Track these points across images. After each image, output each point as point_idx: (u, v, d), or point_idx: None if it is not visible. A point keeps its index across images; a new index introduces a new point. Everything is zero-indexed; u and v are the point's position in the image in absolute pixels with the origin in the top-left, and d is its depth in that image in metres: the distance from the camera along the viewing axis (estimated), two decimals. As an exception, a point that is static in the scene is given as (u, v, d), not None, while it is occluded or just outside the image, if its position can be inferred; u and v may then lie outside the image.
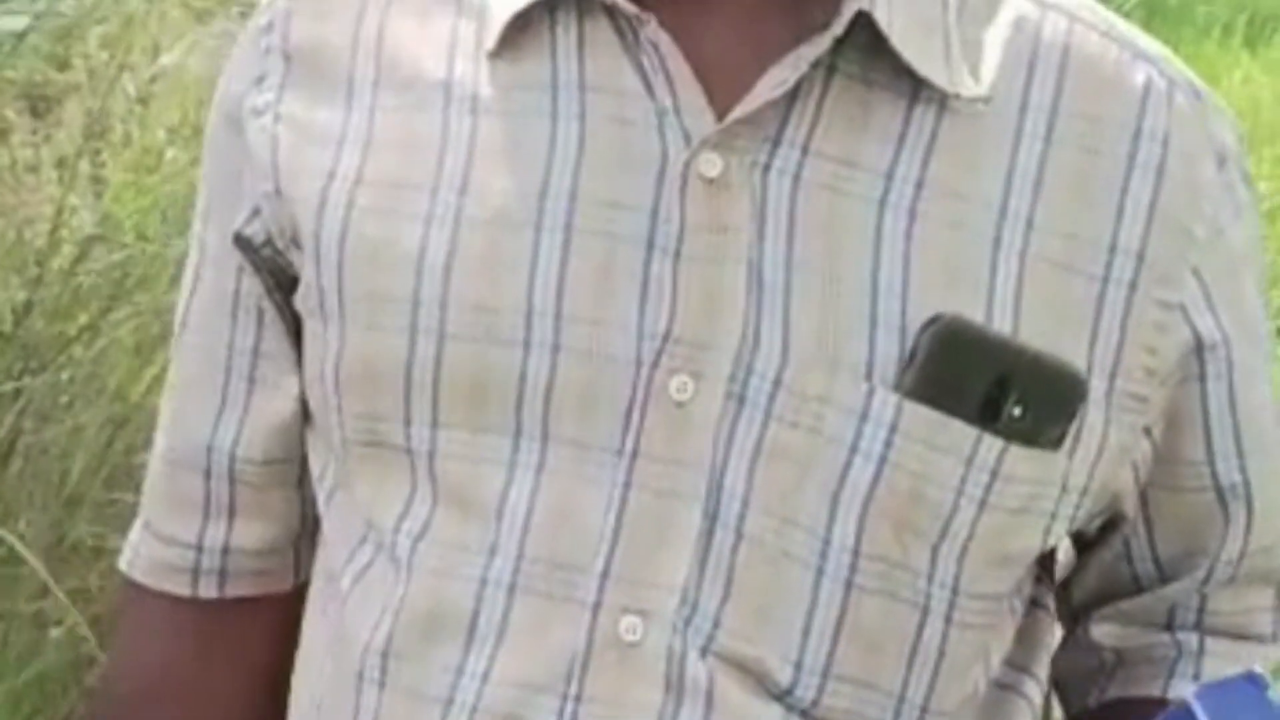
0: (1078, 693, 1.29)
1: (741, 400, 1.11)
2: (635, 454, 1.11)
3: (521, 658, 1.12)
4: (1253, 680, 1.14)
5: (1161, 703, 1.23)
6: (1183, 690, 1.23)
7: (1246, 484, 1.21)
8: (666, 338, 1.11)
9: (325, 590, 1.22)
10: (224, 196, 1.23)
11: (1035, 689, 1.24)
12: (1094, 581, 1.27)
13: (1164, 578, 1.25)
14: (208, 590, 1.27)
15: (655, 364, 1.11)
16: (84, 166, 3.19)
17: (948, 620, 1.15)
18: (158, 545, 1.28)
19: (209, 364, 1.24)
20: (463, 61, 1.17)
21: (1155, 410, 1.18)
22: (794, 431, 1.11)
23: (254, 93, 1.20)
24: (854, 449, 1.11)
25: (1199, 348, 1.17)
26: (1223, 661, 1.24)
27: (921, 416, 1.11)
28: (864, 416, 1.11)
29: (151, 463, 1.29)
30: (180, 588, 1.27)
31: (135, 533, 1.30)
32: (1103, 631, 1.27)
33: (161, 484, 1.28)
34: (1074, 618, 1.29)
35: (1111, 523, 1.23)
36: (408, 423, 1.14)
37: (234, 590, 1.27)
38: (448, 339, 1.13)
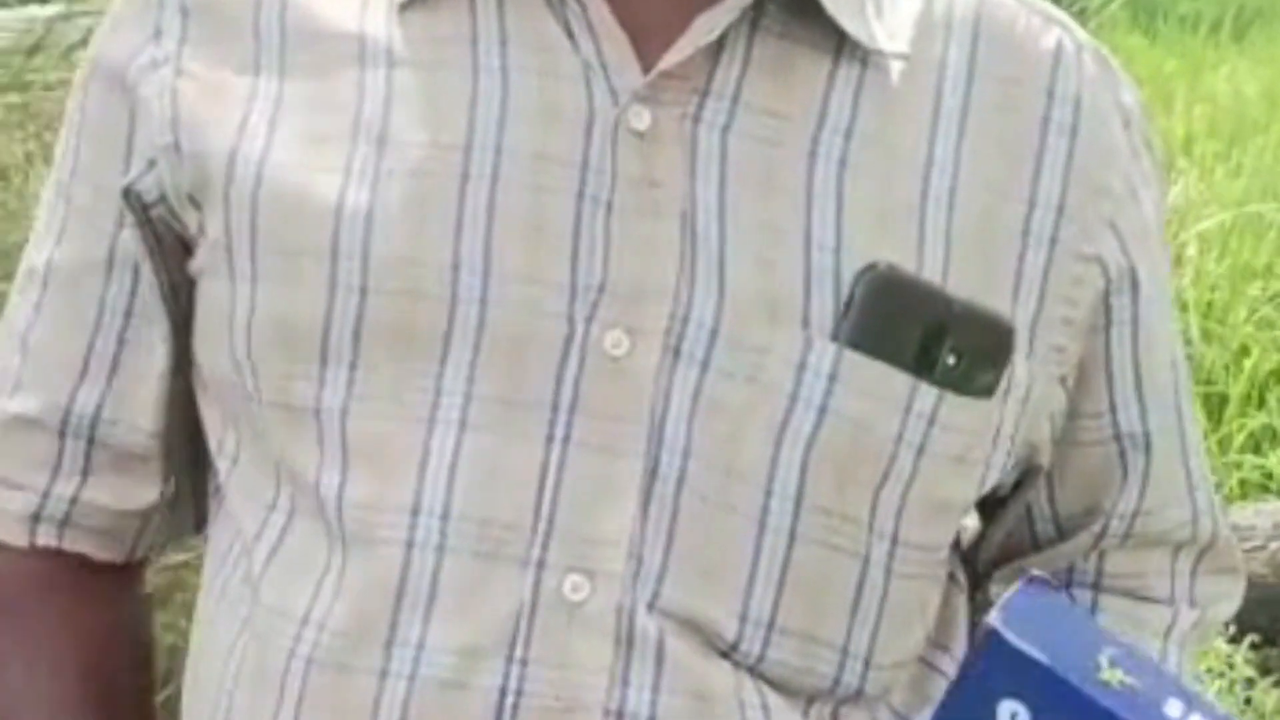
0: None
1: (678, 353, 1.10)
2: (572, 409, 1.10)
3: (459, 622, 1.09)
4: (1037, 582, 1.11)
5: None
6: None
7: (1146, 434, 1.23)
8: (601, 291, 1.10)
9: (226, 572, 1.18)
10: (101, 153, 1.19)
11: (952, 666, 1.23)
12: (997, 547, 1.28)
13: (1062, 535, 1.27)
14: (46, 538, 1.23)
15: (589, 319, 1.10)
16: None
17: (888, 571, 1.15)
18: (3, 492, 1.23)
19: (75, 323, 1.20)
20: (375, 14, 1.15)
21: (1070, 360, 1.20)
22: (732, 382, 1.10)
23: (151, 47, 1.17)
24: (794, 398, 1.11)
25: (1108, 294, 1.20)
26: (1115, 619, 1.26)
27: (860, 365, 1.11)
28: (802, 366, 1.11)
29: None
30: (17, 538, 1.23)
31: None
32: (999, 591, 1.27)
33: (12, 438, 1.23)
34: (976, 583, 1.29)
35: (1025, 478, 1.24)
36: (321, 383, 1.11)
37: (71, 543, 1.23)
38: (370, 293, 1.10)
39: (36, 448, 1.22)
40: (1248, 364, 4.84)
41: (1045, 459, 1.23)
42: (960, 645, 1.25)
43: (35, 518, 1.23)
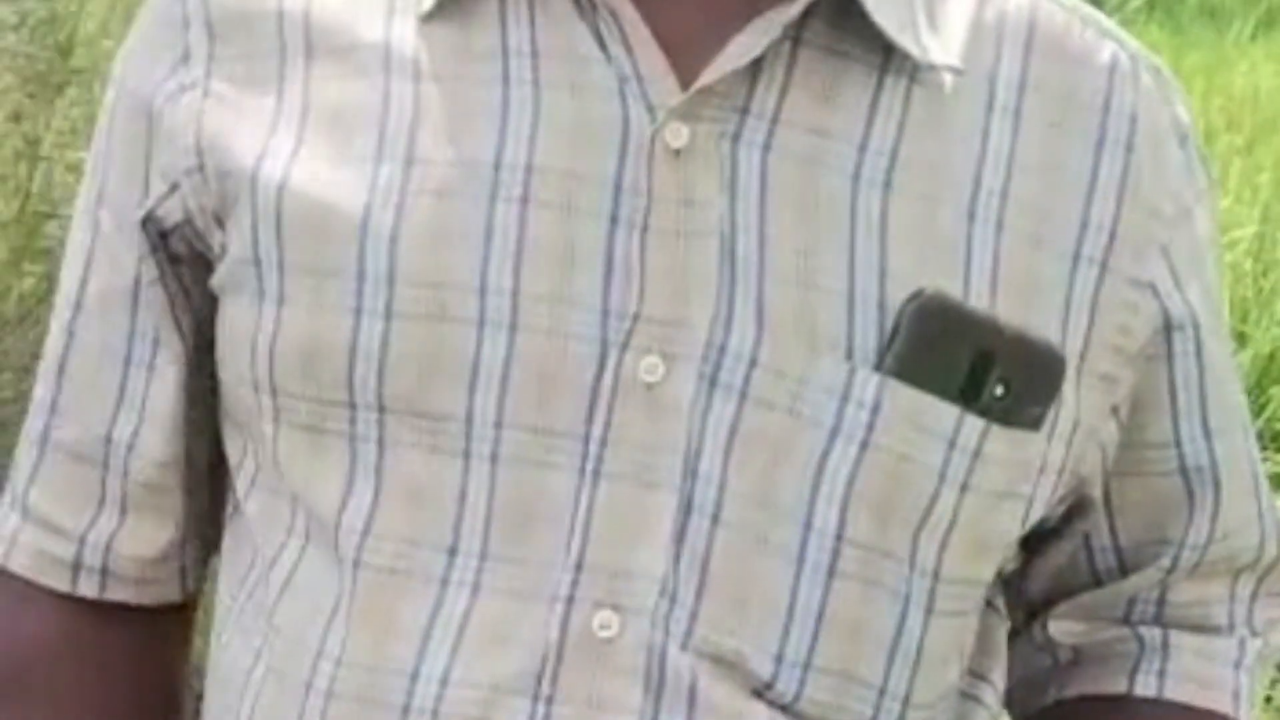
0: (1032, 695, 1.26)
1: (715, 381, 1.06)
2: (604, 440, 1.06)
3: (486, 658, 1.06)
4: None
5: (1126, 699, 1.21)
6: (1148, 687, 1.21)
7: (1214, 465, 1.19)
8: (636, 317, 1.06)
9: (240, 600, 1.15)
10: (124, 180, 1.17)
11: (993, 697, 1.21)
12: (1049, 576, 1.24)
13: (1125, 569, 1.22)
14: (88, 588, 1.20)
15: (625, 345, 1.06)
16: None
17: (928, 610, 1.11)
18: (40, 534, 1.20)
19: (108, 352, 1.18)
20: (402, 27, 1.12)
21: (1123, 390, 1.16)
22: (771, 413, 1.06)
23: (180, 72, 1.15)
24: (835, 431, 1.07)
25: (1167, 327, 1.16)
26: (1189, 656, 1.22)
27: (904, 396, 1.07)
28: (845, 397, 1.07)
29: (34, 448, 1.21)
30: (61, 582, 1.20)
31: (10, 522, 1.22)
32: (1060, 629, 1.24)
33: (51, 472, 1.20)
34: (1027, 617, 1.26)
35: (1075, 510, 1.20)
36: (352, 406, 1.08)
37: (114, 594, 1.20)
38: (395, 317, 1.07)
39: (78, 480, 1.20)
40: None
41: (1096, 490, 1.19)
42: (1000, 675, 1.22)
43: (76, 565, 1.20)
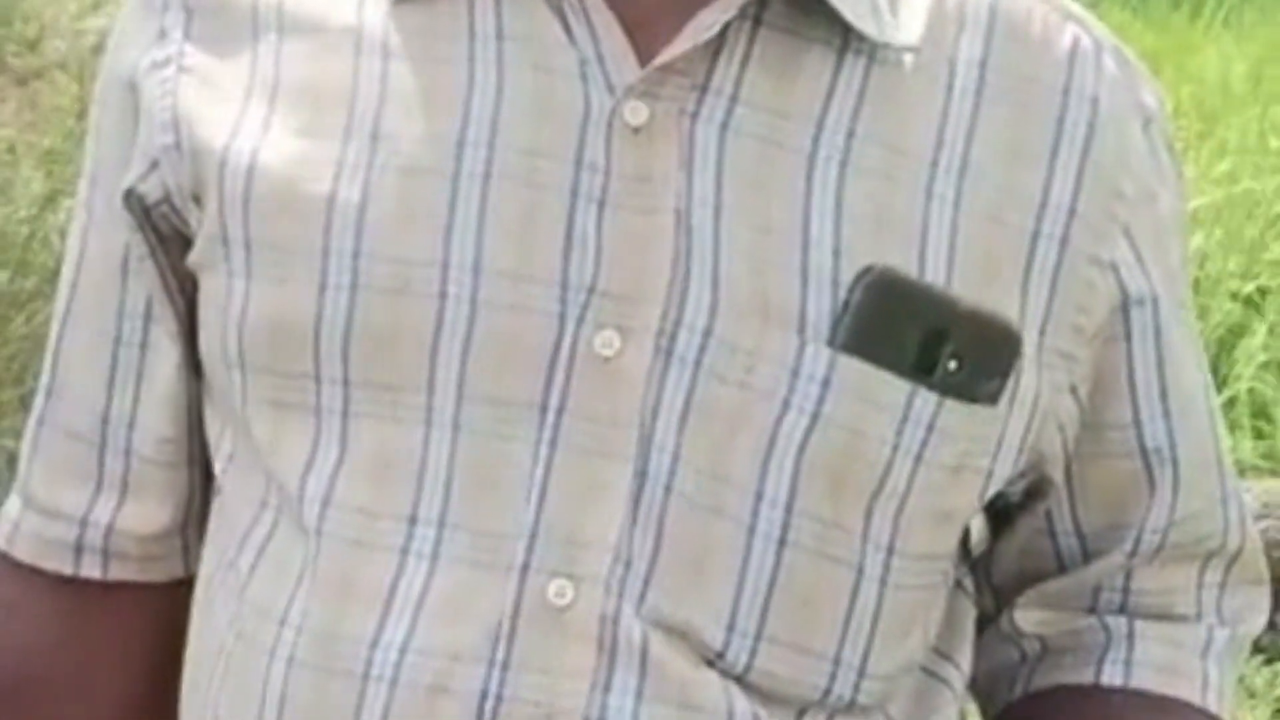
0: (999, 688, 1.27)
1: (670, 354, 1.08)
2: (561, 410, 1.08)
3: (443, 625, 1.08)
4: None
5: (1094, 689, 1.22)
6: (1114, 676, 1.22)
7: (1173, 446, 1.20)
8: (592, 291, 1.08)
9: (220, 572, 1.17)
10: (113, 159, 1.18)
11: (958, 676, 1.22)
12: (1014, 561, 1.25)
13: (1087, 553, 1.23)
14: (91, 569, 1.21)
15: (581, 319, 1.08)
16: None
17: (883, 582, 1.13)
18: (40, 519, 1.21)
19: (100, 331, 1.19)
20: (372, 7, 1.14)
21: (1082, 370, 1.17)
22: (724, 386, 1.08)
23: (155, 49, 1.17)
24: (786, 404, 1.09)
25: (1126, 306, 1.17)
26: (1155, 645, 1.23)
27: (855, 370, 1.09)
28: (796, 371, 1.09)
29: (33, 431, 1.23)
30: (63, 565, 1.21)
31: (13, 508, 1.23)
32: (1026, 618, 1.25)
33: (49, 454, 1.22)
34: (995, 605, 1.27)
35: (1035, 490, 1.21)
36: (317, 379, 1.10)
37: (118, 573, 1.21)
38: (360, 290, 1.09)
39: (75, 460, 1.21)
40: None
41: (1056, 471, 1.20)
42: (965, 658, 1.23)
43: (78, 548, 1.21)
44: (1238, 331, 4.94)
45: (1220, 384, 4.71)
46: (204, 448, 1.20)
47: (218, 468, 1.18)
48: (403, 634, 1.08)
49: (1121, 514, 1.22)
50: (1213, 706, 1.24)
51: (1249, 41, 8.23)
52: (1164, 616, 1.24)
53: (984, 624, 1.26)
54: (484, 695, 1.08)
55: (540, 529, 1.08)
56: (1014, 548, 1.25)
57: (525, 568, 1.08)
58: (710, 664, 1.10)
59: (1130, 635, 1.23)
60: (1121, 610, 1.24)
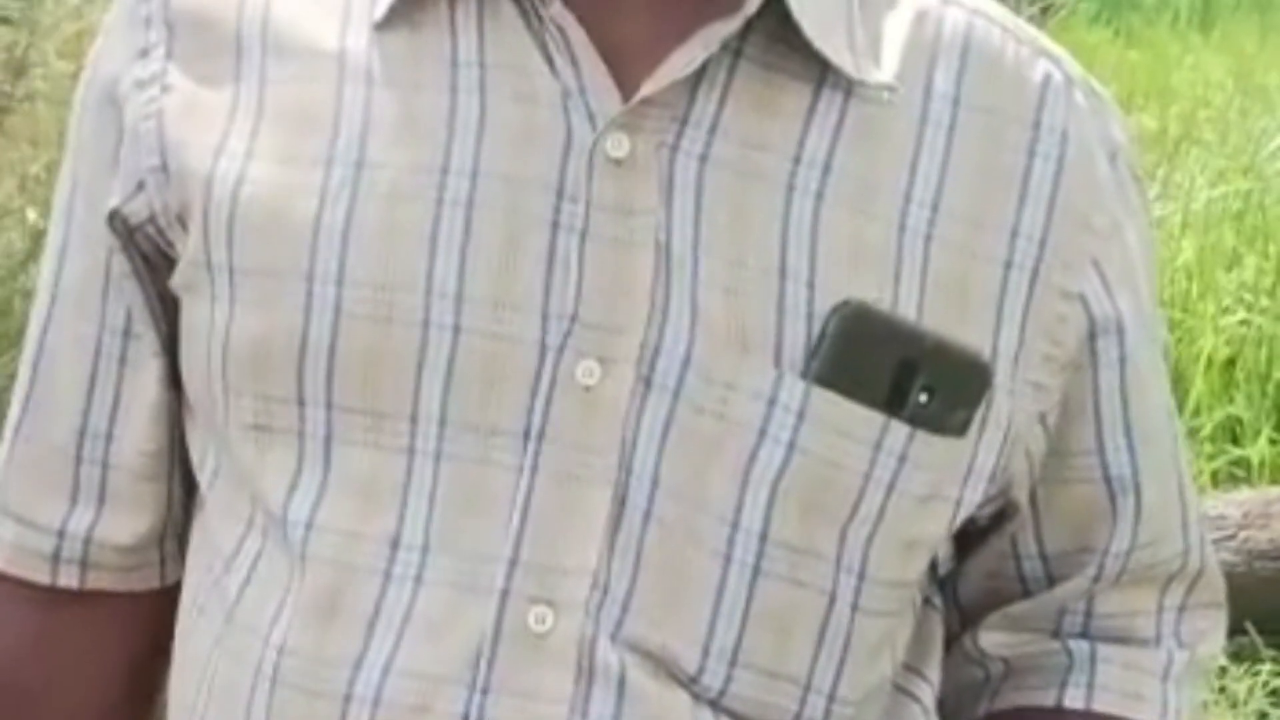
0: (963, 707, 1.28)
1: (649, 384, 1.10)
2: (542, 437, 1.09)
3: (426, 647, 1.09)
4: None
5: (1057, 711, 1.23)
6: (1076, 700, 1.23)
7: (1135, 474, 1.22)
8: (574, 320, 1.10)
9: (206, 588, 1.18)
10: (95, 175, 1.19)
11: (928, 691, 1.24)
12: (980, 583, 1.27)
13: (1052, 577, 1.25)
14: (68, 579, 1.22)
15: (562, 348, 1.10)
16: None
17: (854, 607, 1.14)
18: (17, 529, 1.22)
19: (79, 346, 1.20)
20: (356, 33, 1.15)
21: (1051, 399, 1.18)
22: (701, 416, 1.10)
23: (137, 66, 1.17)
24: (762, 434, 1.10)
25: (1093, 335, 1.18)
26: (1116, 669, 1.25)
27: (829, 403, 1.11)
28: (772, 402, 1.10)
29: (9, 441, 1.24)
30: (40, 575, 1.22)
31: None
32: (991, 640, 1.26)
33: (26, 465, 1.22)
34: (960, 625, 1.28)
35: (1002, 514, 1.23)
36: (301, 403, 1.11)
37: (95, 583, 1.22)
38: (343, 316, 1.10)
39: (51, 473, 1.22)
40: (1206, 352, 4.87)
41: (1023, 495, 1.22)
42: (936, 672, 1.25)
43: (55, 558, 1.22)
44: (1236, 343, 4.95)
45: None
46: (183, 460, 1.21)
47: (202, 483, 1.19)
48: (385, 655, 1.10)
49: (1085, 539, 1.24)
50: None
51: (1225, 53, 8.25)
52: (1125, 639, 1.26)
53: (949, 643, 1.28)
54: (465, 718, 1.09)
55: (521, 554, 1.10)
56: (980, 570, 1.27)
57: (505, 593, 1.10)
58: (685, 688, 1.12)
59: (1092, 659, 1.25)
60: (1084, 633, 1.26)
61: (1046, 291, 1.17)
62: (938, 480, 1.15)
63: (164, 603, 1.23)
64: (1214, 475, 4.54)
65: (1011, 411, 1.16)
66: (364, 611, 1.11)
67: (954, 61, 1.17)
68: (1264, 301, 5.07)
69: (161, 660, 1.23)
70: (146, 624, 1.24)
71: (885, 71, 1.15)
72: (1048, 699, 1.25)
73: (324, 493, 1.12)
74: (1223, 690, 3.71)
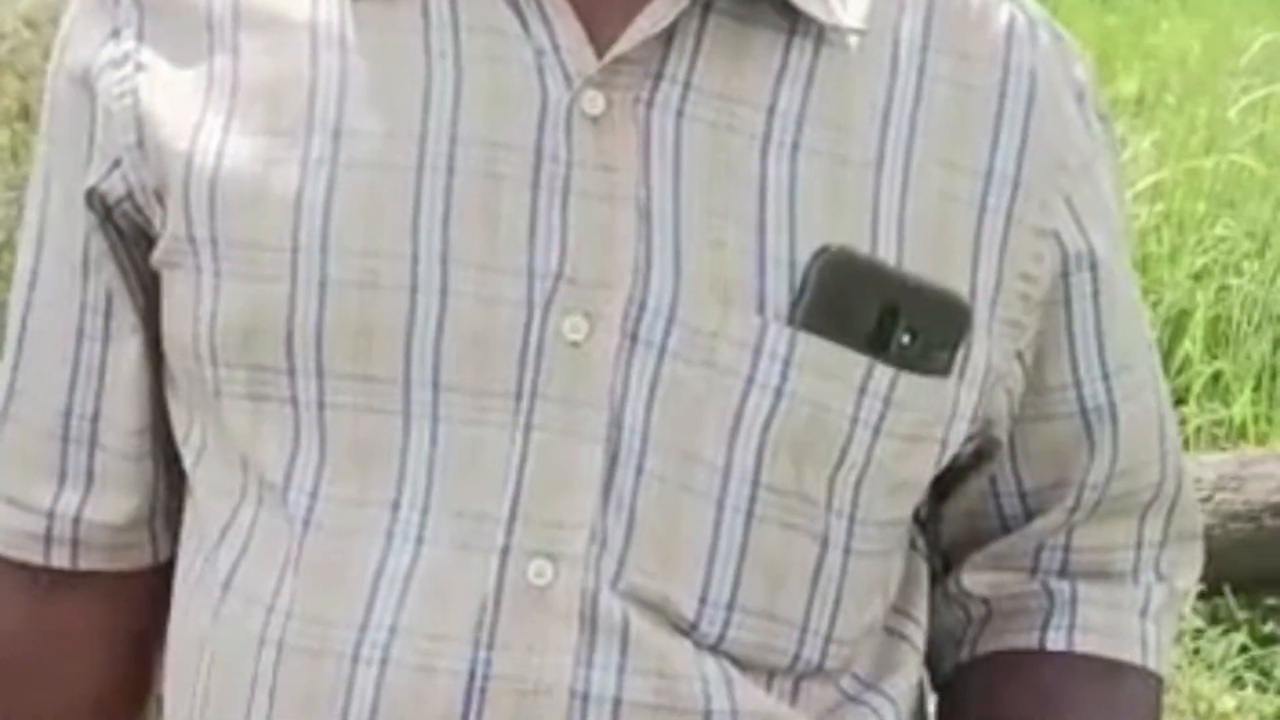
0: (946, 650, 1.30)
1: (635, 337, 1.11)
2: (534, 395, 1.11)
3: (429, 607, 1.11)
4: None
5: (1039, 654, 1.25)
6: (1058, 641, 1.25)
7: (1112, 404, 1.24)
8: (558, 278, 1.11)
9: (199, 563, 1.19)
10: (70, 157, 1.19)
11: (917, 632, 1.26)
12: (960, 523, 1.29)
13: (1030, 513, 1.27)
14: (60, 559, 1.23)
15: (548, 305, 1.11)
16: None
17: (846, 550, 1.16)
18: (9, 510, 1.23)
19: (61, 327, 1.21)
20: (326, 3, 1.16)
21: (1028, 336, 1.20)
22: (689, 367, 1.11)
23: (109, 46, 1.18)
24: (750, 381, 1.12)
25: (1066, 271, 1.20)
26: (1097, 608, 1.27)
27: (815, 347, 1.12)
28: (758, 350, 1.12)
29: None
30: (32, 555, 1.23)
31: None
32: (972, 580, 1.28)
33: (14, 448, 1.23)
34: (943, 567, 1.30)
35: (982, 452, 1.25)
36: (291, 373, 1.12)
37: (87, 562, 1.23)
38: (330, 285, 1.11)
39: (38, 454, 1.22)
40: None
41: (1003, 433, 1.24)
42: (923, 610, 1.26)
43: (47, 539, 1.23)
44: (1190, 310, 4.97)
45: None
46: (169, 439, 1.22)
47: (188, 461, 1.20)
48: (390, 616, 1.11)
49: (1063, 472, 1.26)
50: (1152, 664, 1.28)
51: (1203, 18, 8.25)
52: (1103, 574, 1.28)
53: (931, 586, 1.29)
54: (472, 675, 1.10)
55: (519, 511, 1.11)
56: (959, 510, 1.29)
57: (506, 549, 1.11)
58: (686, 635, 1.13)
59: (1073, 600, 1.27)
60: (1063, 570, 1.28)
61: (1021, 231, 1.18)
62: (923, 421, 1.16)
63: (159, 581, 1.24)
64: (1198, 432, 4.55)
65: (990, 350, 1.18)
66: (368, 574, 1.12)
67: (920, 7, 1.19)
68: (1244, 264, 5.08)
69: (160, 639, 1.24)
70: (142, 602, 1.25)
71: (853, 16, 1.17)
72: (1030, 641, 1.27)
73: (323, 459, 1.13)
74: (1198, 652, 3.73)
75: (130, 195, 1.18)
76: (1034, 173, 1.19)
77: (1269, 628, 3.88)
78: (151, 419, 1.22)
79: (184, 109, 1.16)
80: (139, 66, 1.17)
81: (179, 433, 1.21)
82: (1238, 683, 3.72)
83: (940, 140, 1.17)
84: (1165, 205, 5.41)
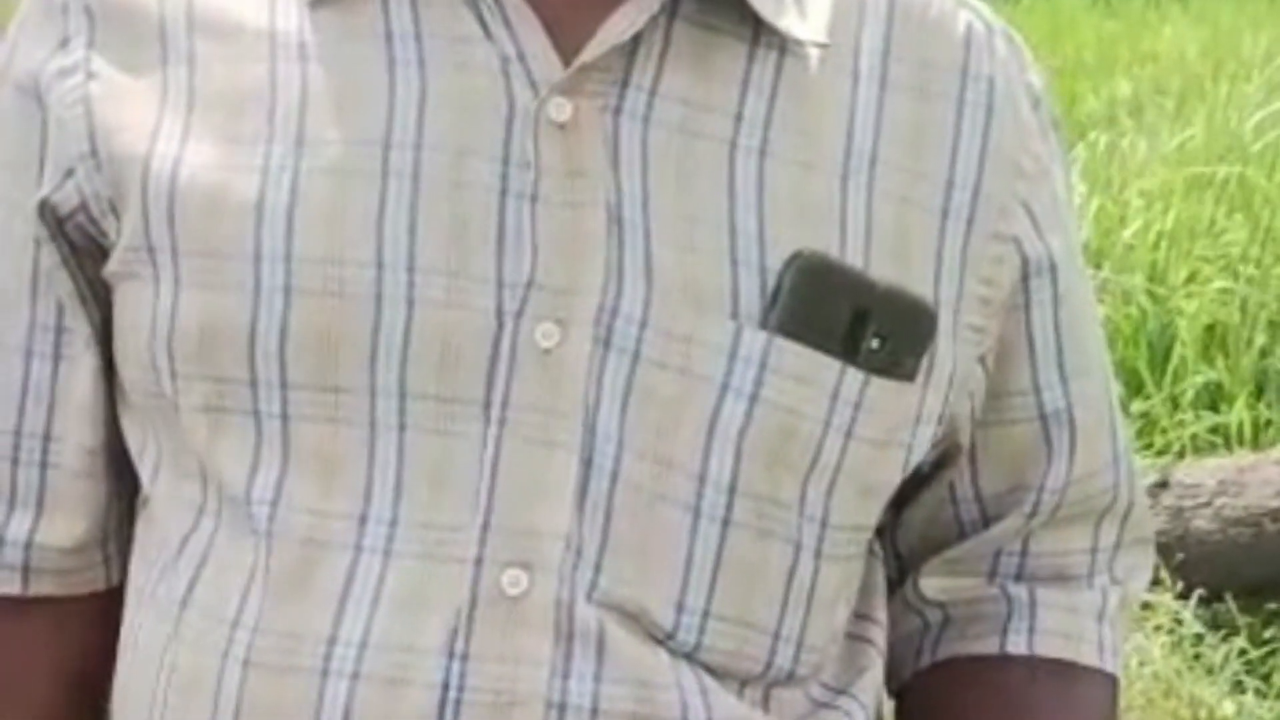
0: (906, 657, 1.30)
1: (608, 344, 1.11)
2: (505, 404, 1.10)
3: (400, 619, 1.10)
4: None
5: (999, 659, 1.25)
6: (1019, 645, 1.25)
7: (1070, 408, 1.24)
8: (529, 285, 1.10)
9: (153, 580, 1.16)
10: (20, 170, 1.17)
11: (879, 632, 1.26)
12: (918, 530, 1.29)
13: (988, 518, 1.27)
14: (9, 586, 1.20)
15: (519, 313, 1.10)
16: None
17: (817, 555, 1.16)
18: None
19: (10, 346, 1.18)
20: (286, 12, 1.15)
21: (989, 341, 1.21)
22: (663, 372, 1.11)
23: (58, 56, 1.16)
24: (725, 387, 1.12)
25: (1026, 277, 1.21)
26: (1055, 612, 1.27)
27: (790, 352, 1.12)
28: (733, 354, 1.12)
29: None
30: None
31: None
32: (930, 585, 1.28)
33: None
34: (899, 574, 1.30)
35: (944, 458, 1.25)
36: (254, 384, 1.11)
37: (37, 588, 1.21)
38: (294, 294, 1.10)
39: None
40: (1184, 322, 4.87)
41: (964, 437, 1.24)
42: (883, 611, 1.26)
43: None
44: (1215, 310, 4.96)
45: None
46: (122, 457, 1.20)
47: (144, 476, 1.18)
48: (360, 629, 1.10)
49: (1021, 477, 1.26)
50: (1109, 666, 1.28)
51: (1203, 23, 8.26)
52: (1060, 578, 1.28)
53: (889, 593, 1.29)
54: (445, 687, 1.09)
55: (491, 521, 1.10)
56: (918, 517, 1.29)
57: (479, 560, 1.10)
58: (661, 643, 1.13)
59: (1031, 604, 1.27)
60: (1020, 575, 1.28)
61: (982, 236, 1.19)
62: (892, 425, 1.16)
63: (111, 605, 1.22)
64: (1194, 440, 4.55)
65: (955, 356, 1.18)
66: (335, 587, 1.11)
67: (880, 18, 1.20)
68: (1245, 269, 5.08)
69: (110, 664, 1.21)
70: (93, 628, 1.23)
71: (815, 29, 1.17)
72: (990, 646, 1.27)
73: (286, 471, 1.11)
74: (1198, 658, 3.72)
75: (84, 206, 1.16)
76: (993, 179, 1.19)
77: (1269, 633, 3.87)
78: (105, 437, 1.20)
79: (139, 117, 1.14)
80: (90, 75, 1.16)
81: (134, 448, 1.19)
82: (1238, 688, 3.71)
83: (902, 148, 1.17)
84: (1164, 208, 5.41)
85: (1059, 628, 1.27)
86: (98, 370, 1.19)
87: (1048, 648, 1.27)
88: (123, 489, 1.21)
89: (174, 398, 1.13)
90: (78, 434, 1.19)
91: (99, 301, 1.18)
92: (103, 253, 1.16)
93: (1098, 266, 5.05)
